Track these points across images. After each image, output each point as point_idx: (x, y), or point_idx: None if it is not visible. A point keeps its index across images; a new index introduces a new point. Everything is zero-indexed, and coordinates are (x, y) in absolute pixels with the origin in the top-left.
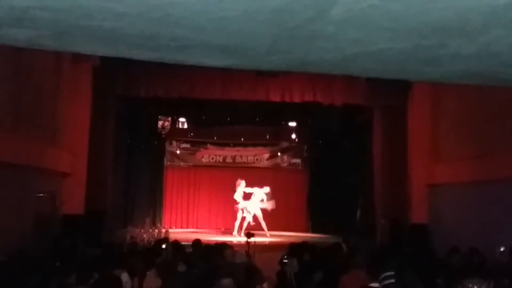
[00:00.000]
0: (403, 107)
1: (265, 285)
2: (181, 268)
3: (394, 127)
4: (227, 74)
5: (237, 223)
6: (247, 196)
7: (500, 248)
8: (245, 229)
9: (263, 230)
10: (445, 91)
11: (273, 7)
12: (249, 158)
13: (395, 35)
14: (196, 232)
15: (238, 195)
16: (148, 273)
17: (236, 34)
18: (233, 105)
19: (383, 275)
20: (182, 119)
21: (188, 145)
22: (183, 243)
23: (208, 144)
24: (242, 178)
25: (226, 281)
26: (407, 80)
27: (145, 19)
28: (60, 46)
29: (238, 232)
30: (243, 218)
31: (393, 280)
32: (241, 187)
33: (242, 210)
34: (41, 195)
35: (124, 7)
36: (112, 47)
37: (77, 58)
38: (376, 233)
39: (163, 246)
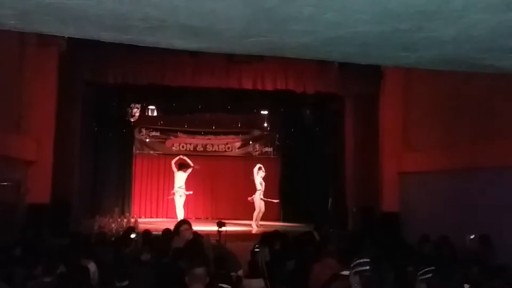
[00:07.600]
0: (375, 95)
1: (240, 272)
2: (145, 257)
3: (366, 116)
4: (198, 61)
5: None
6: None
7: (470, 236)
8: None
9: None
10: (417, 80)
11: None
12: (220, 146)
13: (373, 18)
14: (166, 222)
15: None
16: None
17: (209, 15)
18: (204, 93)
19: (356, 261)
20: (151, 107)
21: (157, 133)
22: (152, 232)
23: (178, 132)
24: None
25: (199, 270)
26: (383, 65)
27: None
28: (24, 26)
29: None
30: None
31: (367, 267)
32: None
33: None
34: (5, 184)
35: None
36: (79, 28)
37: (43, 42)
38: (348, 221)
39: (132, 236)
